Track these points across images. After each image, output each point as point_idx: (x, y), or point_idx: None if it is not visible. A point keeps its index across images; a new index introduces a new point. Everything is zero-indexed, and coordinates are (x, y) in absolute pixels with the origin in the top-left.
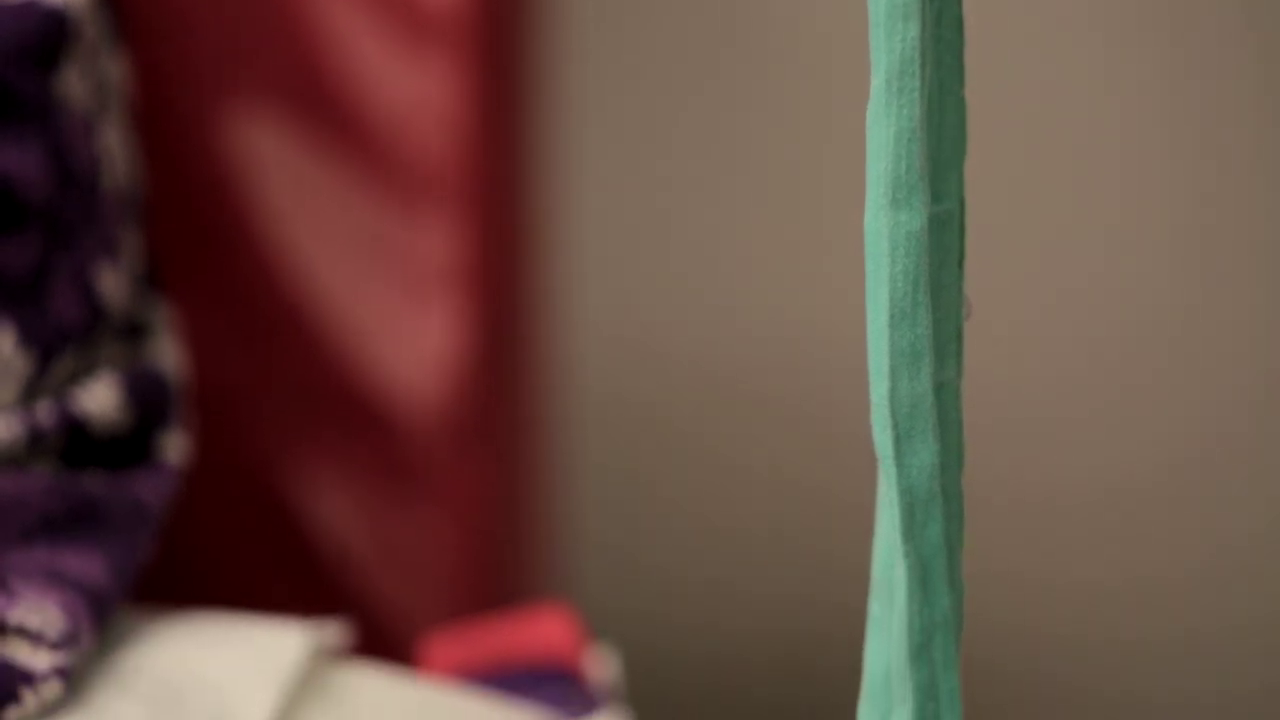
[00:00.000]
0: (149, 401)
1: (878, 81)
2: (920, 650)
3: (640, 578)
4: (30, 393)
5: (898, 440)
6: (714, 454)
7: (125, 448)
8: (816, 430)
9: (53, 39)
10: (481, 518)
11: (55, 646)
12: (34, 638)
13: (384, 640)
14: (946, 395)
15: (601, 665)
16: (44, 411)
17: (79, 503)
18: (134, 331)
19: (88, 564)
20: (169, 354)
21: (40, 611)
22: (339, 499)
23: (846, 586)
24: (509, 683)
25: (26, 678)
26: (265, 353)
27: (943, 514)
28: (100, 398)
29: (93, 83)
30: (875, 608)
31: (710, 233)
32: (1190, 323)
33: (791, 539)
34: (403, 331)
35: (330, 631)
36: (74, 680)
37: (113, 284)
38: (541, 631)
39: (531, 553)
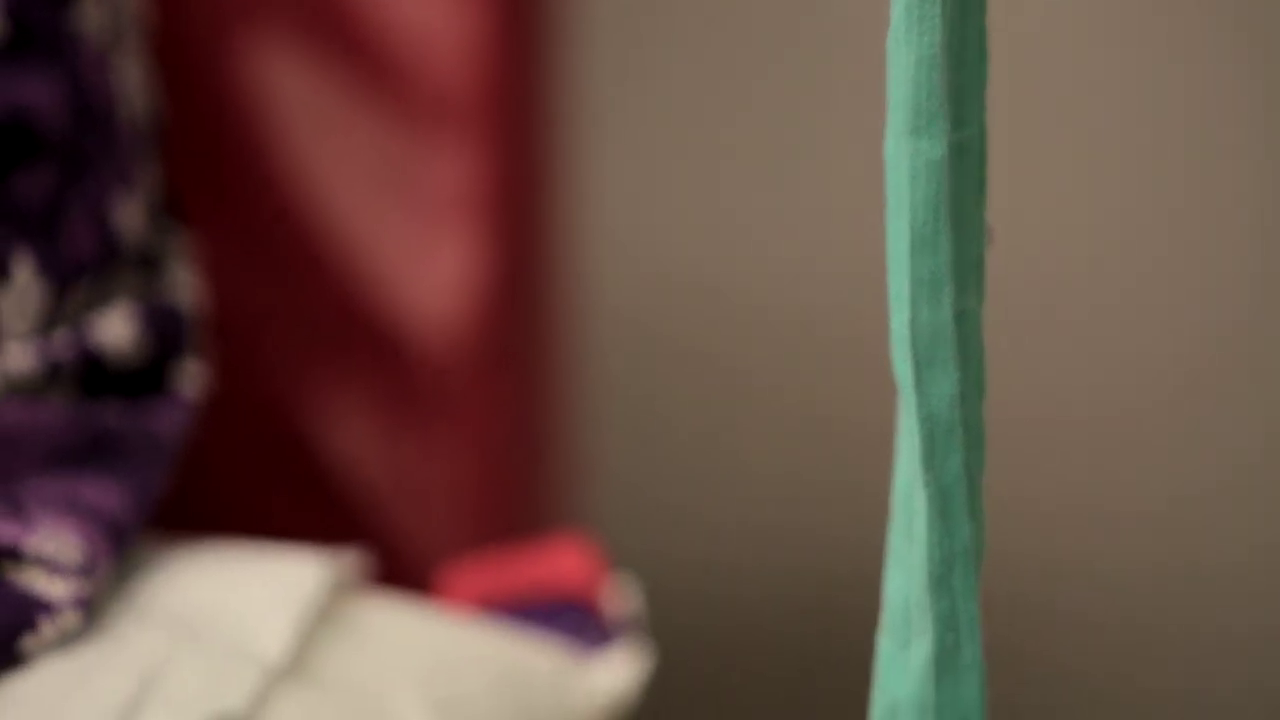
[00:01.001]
0: (165, 333)
1: (898, 7)
2: (940, 580)
3: (660, 509)
4: (46, 324)
5: (918, 369)
6: (734, 385)
7: (141, 379)
8: (837, 360)
9: None
10: (500, 448)
11: (73, 575)
12: (51, 566)
13: (402, 571)
14: (967, 323)
15: (620, 597)
16: (60, 342)
17: (96, 433)
18: (150, 263)
19: (105, 494)
20: (185, 286)
21: (57, 540)
22: (356, 429)
23: (866, 516)
24: (527, 614)
25: (45, 607)
26: (282, 282)
27: (963, 443)
28: (116, 329)
29: (109, 14)
30: (895, 538)
31: (731, 160)
32: (1195, 240)
33: (811, 470)
34: (421, 259)
35: (348, 562)
36: (92, 609)
37: (129, 216)
38: (560, 563)
39: (550, 483)
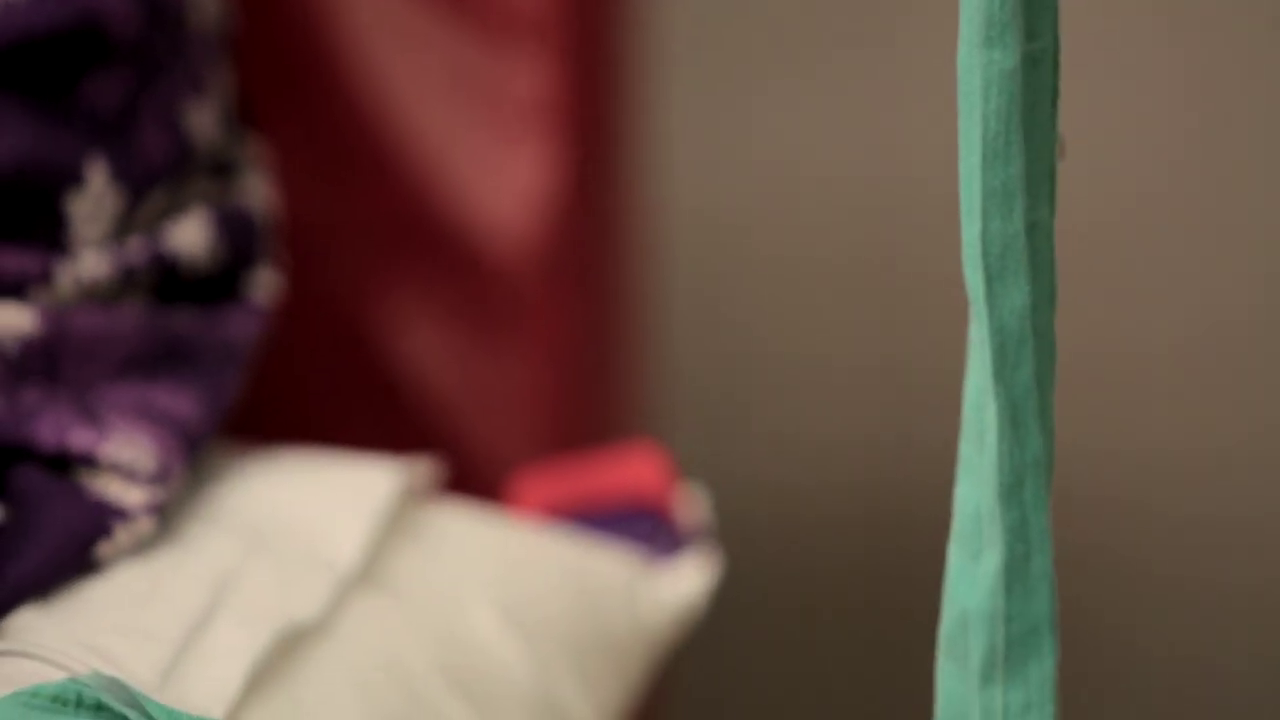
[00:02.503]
0: (238, 239)
1: None
2: (1011, 492)
3: (728, 419)
4: (121, 231)
5: (989, 281)
6: (804, 294)
7: (214, 285)
8: (909, 270)
9: None
10: (571, 357)
11: (147, 482)
12: (126, 473)
13: (472, 480)
14: (1039, 235)
15: (690, 505)
16: (134, 248)
17: (169, 339)
18: (223, 169)
19: (178, 400)
20: (258, 192)
21: (132, 446)
22: (428, 338)
23: (936, 425)
24: (598, 521)
25: (119, 514)
26: (355, 190)
27: (1034, 355)
28: (190, 235)
29: None
30: (966, 449)
31: (802, 71)
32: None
33: (880, 379)
34: (493, 168)
35: (420, 470)
36: (165, 516)
37: (202, 121)
38: (631, 470)
39: (621, 392)
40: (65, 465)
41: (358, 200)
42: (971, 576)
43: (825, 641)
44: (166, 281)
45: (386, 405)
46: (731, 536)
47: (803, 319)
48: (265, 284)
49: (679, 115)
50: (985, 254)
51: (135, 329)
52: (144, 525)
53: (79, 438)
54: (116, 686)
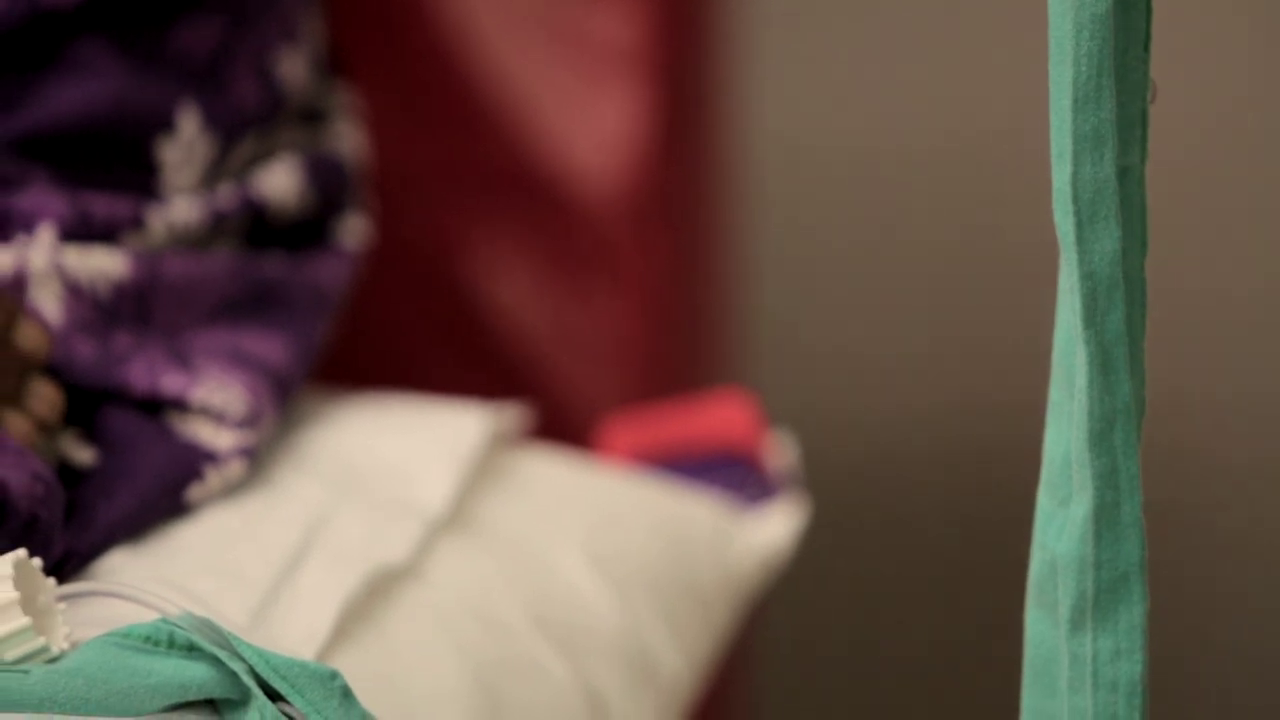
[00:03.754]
0: (328, 186)
1: None
2: (1101, 437)
3: (817, 365)
4: (212, 177)
5: (1080, 226)
6: (892, 242)
7: (304, 231)
8: (996, 216)
9: None
10: (661, 303)
11: (237, 426)
12: (218, 418)
13: (562, 425)
14: (1130, 180)
15: (779, 451)
16: (225, 194)
17: (259, 285)
18: (313, 116)
19: (269, 345)
20: (348, 139)
21: (224, 391)
22: (518, 283)
23: (1024, 371)
24: (687, 468)
25: (210, 456)
26: (445, 137)
27: (1125, 300)
28: (280, 181)
29: None
30: (1055, 394)
31: (889, 19)
32: None
33: (969, 327)
34: (583, 114)
35: (509, 415)
36: (256, 460)
37: (293, 69)
38: (720, 417)
39: (710, 337)
40: (157, 409)
41: (448, 147)
42: (1060, 523)
43: (912, 588)
44: (257, 227)
45: (477, 351)
46: (817, 482)
47: (891, 265)
48: (354, 230)
49: (767, 58)
50: (1076, 199)
51: (226, 274)
52: (234, 469)
53: (171, 382)
54: (208, 627)
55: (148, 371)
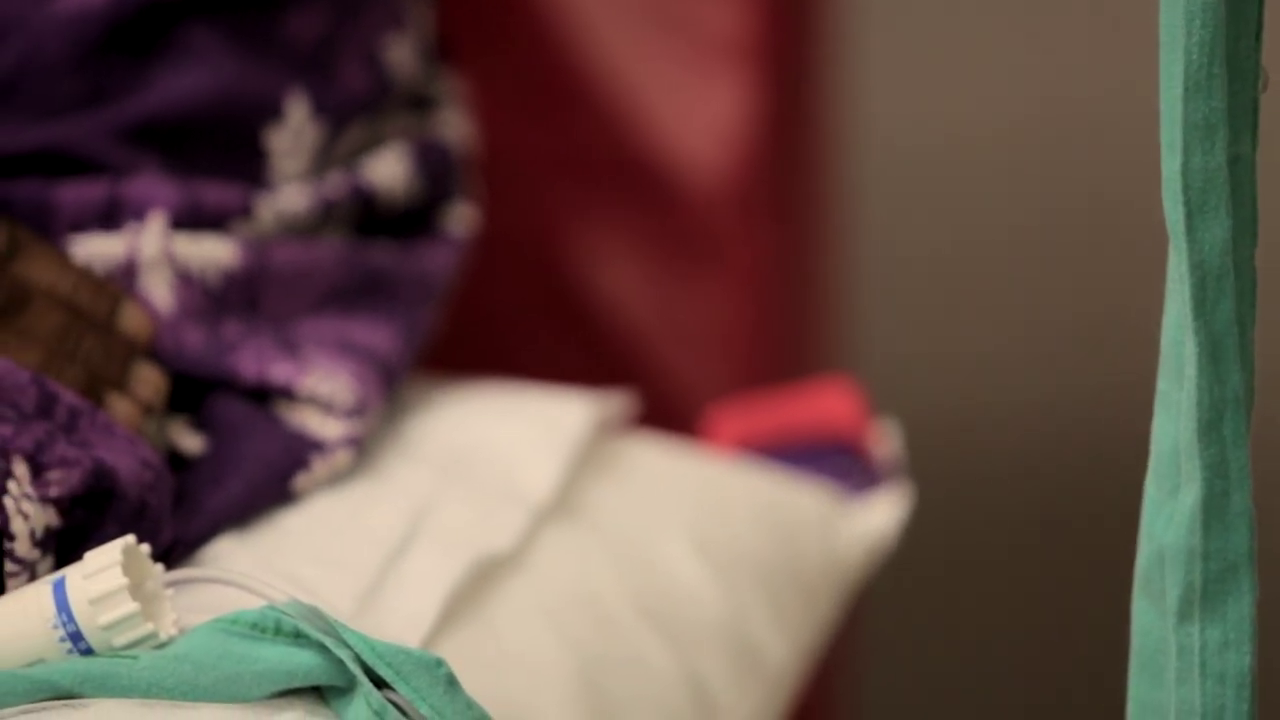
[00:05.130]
0: (435, 173)
1: None
2: (1210, 427)
3: (923, 353)
4: (320, 164)
5: (1189, 215)
6: (1000, 230)
7: (412, 219)
8: (1104, 206)
9: None
10: (767, 292)
11: (345, 415)
12: (324, 406)
13: (668, 414)
14: (1241, 169)
15: (884, 440)
16: (334, 183)
17: (368, 273)
18: (421, 103)
19: (376, 334)
20: (456, 126)
21: (331, 380)
22: (625, 271)
23: (1132, 362)
24: (793, 456)
25: (317, 446)
26: (554, 125)
27: (1234, 290)
28: (389, 169)
29: None
30: (1164, 384)
31: (994, 8)
32: None
33: (1075, 314)
34: (691, 103)
35: (615, 402)
36: (362, 449)
37: (400, 55)
38: (826, 405)
39: (816, 328)
40: (265, 397)
41: (557, 136)
42: (1169, 513)
43: (1017, 576)
44: (365, 215)
45: (582, 340)
46: (923, 471)
47: (997, 254)
48: (462, 218)
49: (874, 48)
50: (1186, 188)
51: (334, 262)
52: (341, 459)
53: (279, 370)
54: (314, 615)
55: (256, 360)
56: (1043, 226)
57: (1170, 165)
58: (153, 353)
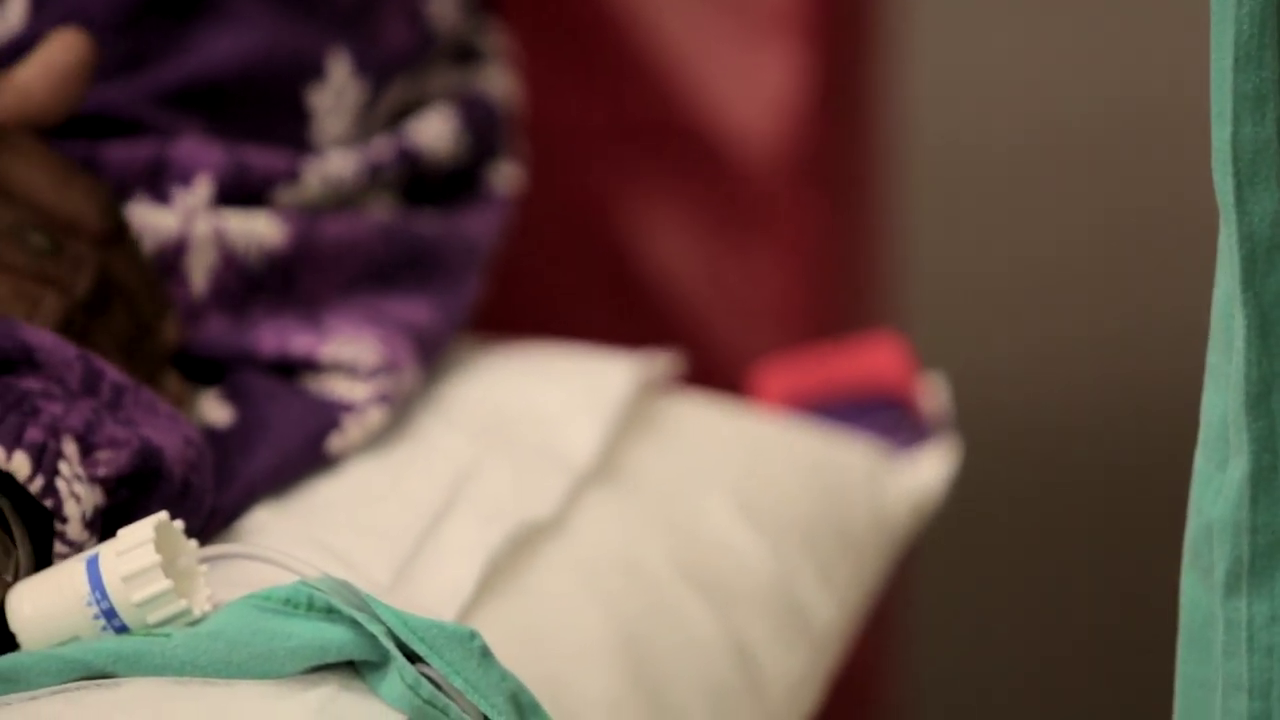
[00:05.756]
0: (481, 130)
1: None
2: (1258, 401)
3: (970, 310)
4: (363, 123)
5: (1239, 187)
6: (1045, 196)
7: (458, 178)
8: (1155, 173)
9: None
10: (817, 260)
11: (370, 375)
12: (348, 370)
13: (716, 380)
14: None
15: (932, 395)
16: (380, 146)
17: (409, 248)
18: (464, 56)
19: (410, 307)
20: (500, 81)
21: (354, 345)
22: (674, 238)
23: (1178, 326)
24: (840, 411)
25: (348, 407)
26: (604, 93)
27: None
28: (434, 130)
29: None
30: (1213, 357)
31: None
32: None
33: (1123, 278)
34: (744, 72)
35: (660, 363)
36: (399, 408)
37: (442, 7)
38: (873, 360)
39: (865, 295)
40: (289, 372)
41: (607, 103)
42: (1217, 486)
43: (1063, 532)
44: (411, 177)
45: (630, 307)
46: (970, 426)
47: (1043, 216)
48: (507, 176)
49: (926, 17)
50: (1236, 159)
51: (378, 238)
52: (374, 416)
53: (299, 342)
54: (346, 590)
55: (276, 335)
56: (1091, 190)
57: (1220, 136)
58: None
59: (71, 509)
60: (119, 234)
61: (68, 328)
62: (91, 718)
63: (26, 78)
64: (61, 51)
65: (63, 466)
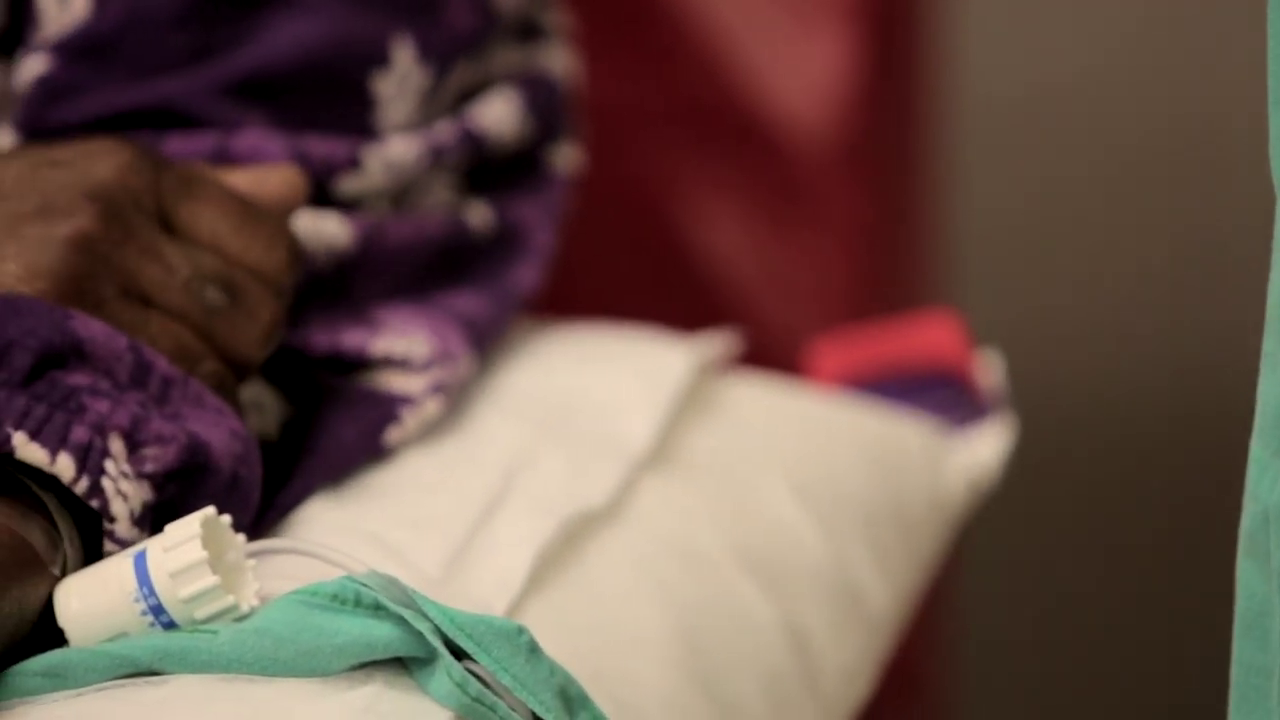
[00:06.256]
0: (544, 112)
1: None
2: None
3: (1024, 287)
4: (427, 108)
5: None
6: (1097, 172)
7: (520, 160)
8: (1209, 160)
9: None
10: (869, 245)
11: (424, 367)
12: (403, 364)
13: (768, 365)
14: None
15: (988, 372)
16: (443, 129)
17: (467, 242)
18: (527, 34)
19: (464, 297)
20: (561, 59)
21: (405, 338)
22: (727, 224)
23: (1236, 309)
24: (895, 388)
25: (404, 400)
26: (655, 74)
27: None
28: (497, 112)
29: None
30: (1270, 344)
31: None
32: None
33: (1180, 255)
34: (795, 57)
35: (715, 344)
36: (455, 399)
37: None
38: (928, 337)
39: (917, 280)
40: (342, 369)
41: (661, 89)
42: (1274, 473)
43: (1120, 510)
44: (474, 160)
45: (682, 290)
46: (1025, 404)
47: (1096, 198)
48: (566, 156)
49: (975, 2)
50: None
51: (438, 235)
52: (430, 408)
53: (350, 339)
54: (393, 585)
55: (328, 334)
56: (1140, 174)
57: (1277, 120)
58: None
59: (119, 508)
60: (292, 282)
61: (219, 387)
62: (137, 715)
63: (236, 182)
64: (278, 183)
65: (109, 465)
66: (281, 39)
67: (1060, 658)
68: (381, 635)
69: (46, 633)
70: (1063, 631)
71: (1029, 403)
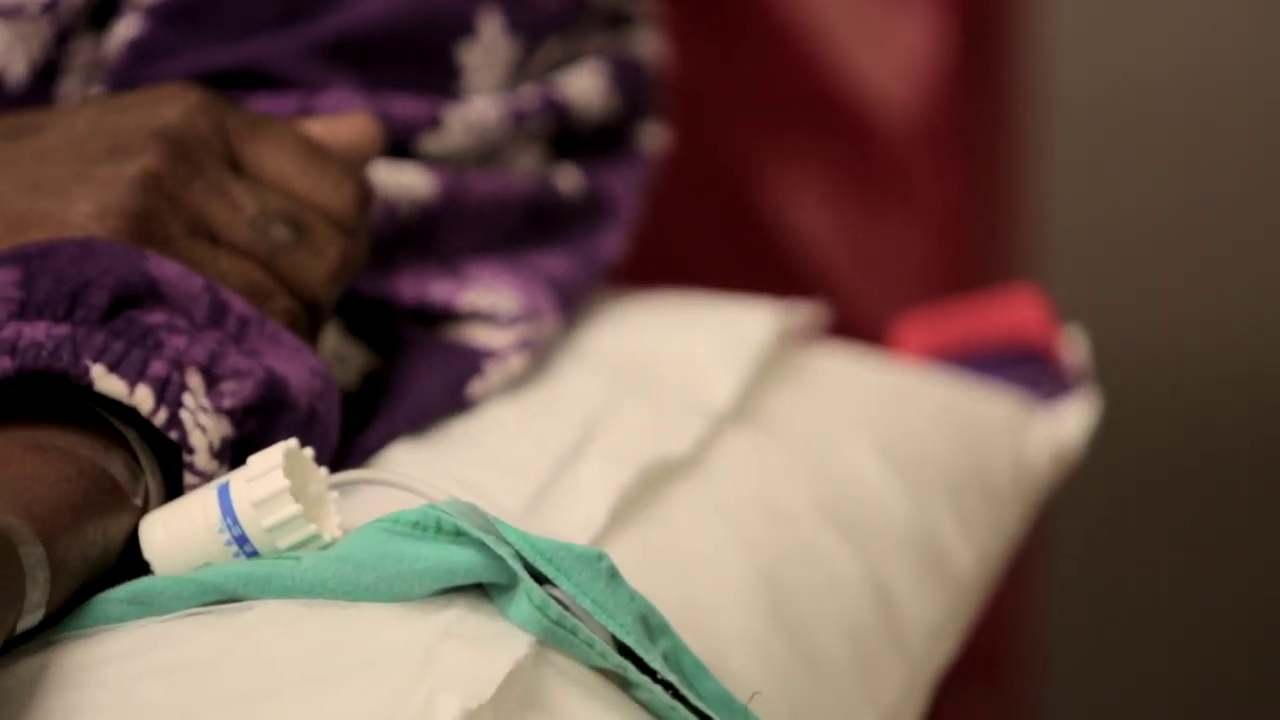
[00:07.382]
0: (631, 90)
1: None
2: None
3: (1108, 265)
4: (514, 80)
5: None
6: (1185, 151)
7: (607, 136)
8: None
9: None
10: (955, 227)
11: (511, 323)
12: (489, 319)
13: (853, 341)
14: None
15: (1072, 348)
16: (527, 95)
17: (553, 205)
18: (617, 21)
19: (552, 259)
20: (649, 43)
21: (493, 293)
22: (812, 206)
23: None
24: (980, 363)
25: (490, 353)
26: (745, 60)
27: None
28: (584, 84)
29: None
30: None
31: None
32: None
33: (1265, 234)
34: (881, 37)
35: (800, 312)
36: (539, 355)
37: None
38: (1013, 313)
39: (1002, 251)
40: (430, 320)
41: (746, 69)
42: None
43: (1205, 485)
44: (559, 131)
45: (770, 273)
46: (1109, 380)
47: (1181, 179)
48: (652, 135)
49: None
50: None
51: (525, 193)
52: (515, 363)
53: (438, 290)
54: (474, 513)
55: (416, 284)
56: (1226, 157)
57: None
58: None
59: (198, 440)
60: (363, 223)
61: (293, 325)
62: (222, 638)
63: (309, 128)
64: (351, 129)
65: (187, 399)
66: (369, 4)
67: (1144, 639)
68: (463, 561)
69: (131, 566)
70: (1147, 611)
71: (1113, 379)
